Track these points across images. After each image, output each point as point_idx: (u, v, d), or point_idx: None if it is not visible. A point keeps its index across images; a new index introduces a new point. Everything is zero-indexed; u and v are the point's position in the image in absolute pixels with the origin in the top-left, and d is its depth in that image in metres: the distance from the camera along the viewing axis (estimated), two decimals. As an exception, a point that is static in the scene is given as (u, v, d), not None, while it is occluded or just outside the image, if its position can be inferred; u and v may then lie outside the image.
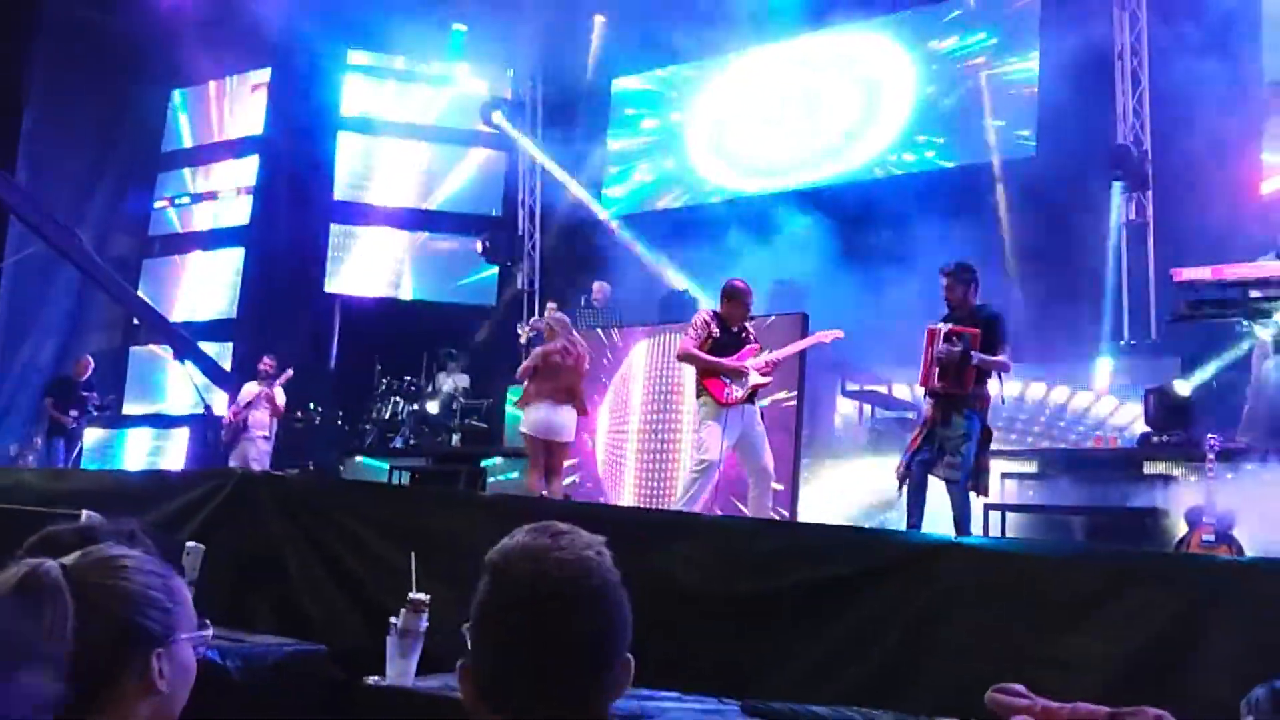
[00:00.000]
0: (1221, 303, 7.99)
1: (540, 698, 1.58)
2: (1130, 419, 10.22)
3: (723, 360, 7.60)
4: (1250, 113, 10.70)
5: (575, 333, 9.16)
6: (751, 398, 7.67)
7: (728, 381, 7.55)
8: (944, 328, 7.13)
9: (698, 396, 7.72)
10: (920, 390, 7.61)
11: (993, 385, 7.32)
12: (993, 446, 10.13)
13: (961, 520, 7.01)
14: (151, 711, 1.73)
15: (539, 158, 16.46)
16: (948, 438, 7.05)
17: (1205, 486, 7.17)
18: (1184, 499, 7.64)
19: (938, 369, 7.06)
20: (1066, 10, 12.51)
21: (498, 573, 1.62)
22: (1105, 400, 10.67)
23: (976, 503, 8.49)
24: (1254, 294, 7.78)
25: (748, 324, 7.92)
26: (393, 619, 3.83)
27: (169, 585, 1.79)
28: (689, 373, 8.39)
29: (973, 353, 6.98)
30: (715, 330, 7.71)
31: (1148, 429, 9.51)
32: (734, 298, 7.85)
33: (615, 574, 1.65)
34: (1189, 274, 8.07)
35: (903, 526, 7.17)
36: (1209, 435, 7.52)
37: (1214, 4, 10.59)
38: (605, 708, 1.64)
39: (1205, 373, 9.72)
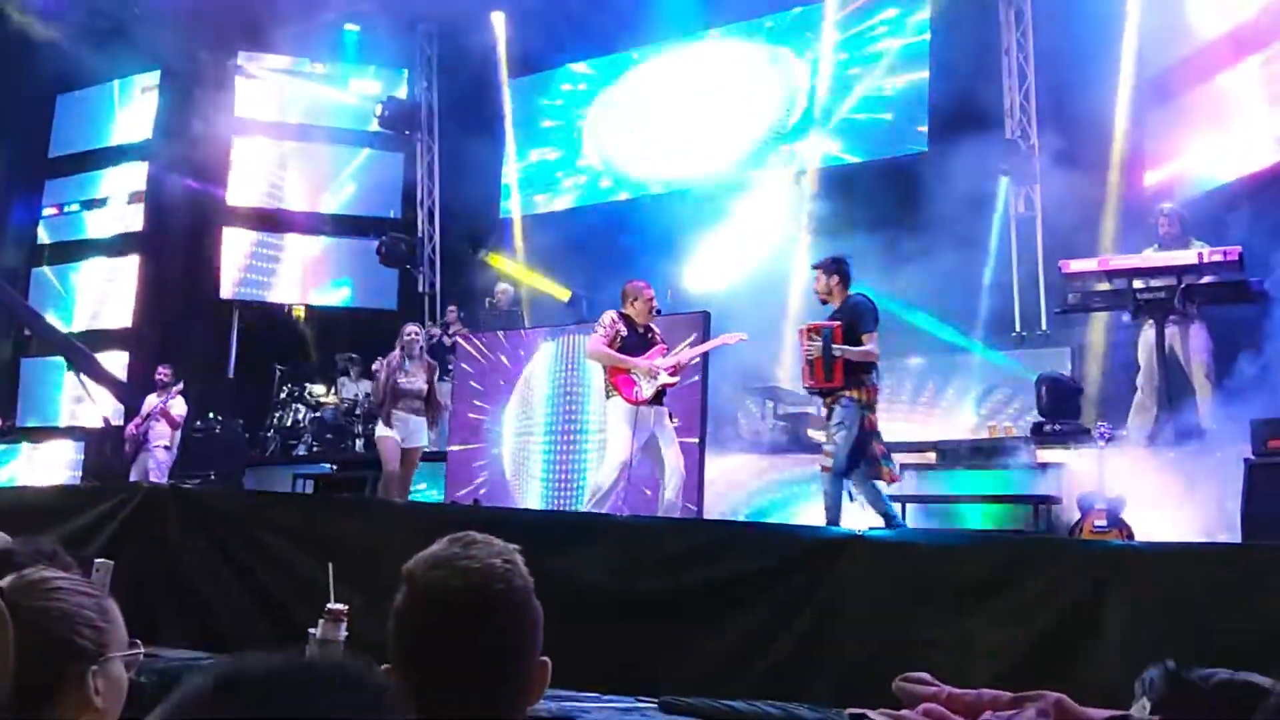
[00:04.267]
0: (1108, 293, 8.21)
1: (451, 700, 1.64)
2: (1022, 409, 10.48)
3: (634, 359, 7.68)
4: (1134, 105, 11.02)
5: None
6: (659, 398, 7.75)
7: (637, 380, 7.63)
8: (805, 325, 7.28)
9: (607, 397, 7.79)
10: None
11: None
12: (891, 439, 10.36)
13: (832, 510, 7.00)
14: None
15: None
16: (829, 429, 7.16)
17: (1096, 473, 7.37)
18: (1076, 486, 7.84)
19: (806, 366, 7.18)
20: (954, 9, 12.77)
21: (410, 581, 1.70)
22: (998, 391, 10.93)
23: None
24: (1139, 284, 8.01)
25: (653, 324, 8.02)
26: (311, 630, 3.84)
27: (101, 605, 1.84)
28: (595, 374, 8.46)
29: (833, 346, 7.04)
30: (623, 330, 7.79)
31: (1040, 418, 9.77)
32: (636, 297, 7.94)
33: (525, 581, 1.72)
34: (1077, 266, 8.28)
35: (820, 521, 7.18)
36: (1099, 423, 7.73)
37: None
38: (518, 710, 1.71)
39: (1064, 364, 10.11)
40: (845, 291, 7.41)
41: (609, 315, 7.91)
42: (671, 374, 7.78)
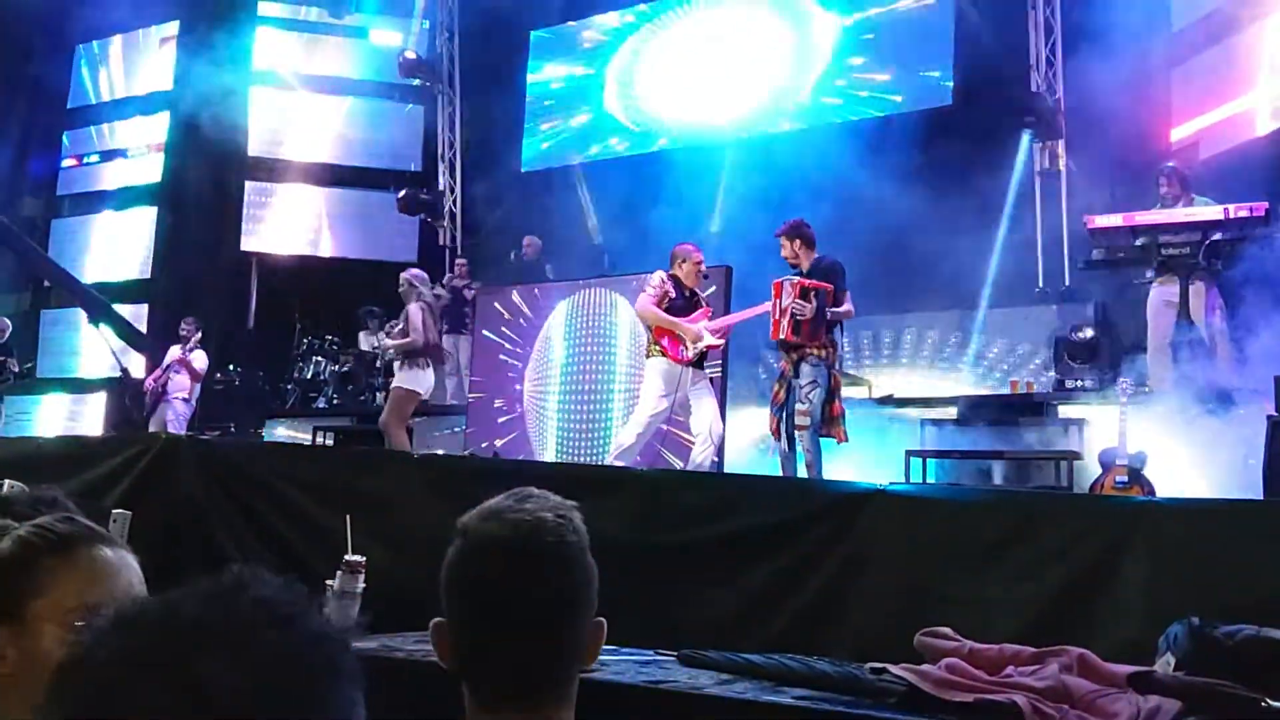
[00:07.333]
0: (1133, 249, 8.13)
1: (503, 656, 1.63)
2: (1045, 364, 10.42)
3: (682, 321, 7.69)
4: (1160, 60, 10.87)
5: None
6: (701, 361, 7.77)
7: (683, 341, 7.65)
8: (793, 280, 7.31)
9: (648, 356, 7.82)
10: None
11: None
12: (913, 394, 10.35)
13: (814, 466, 7.13)
14: None
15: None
16: (800, 386, 7.24)
17: (1118, 429, 7.33)
18: (1097, 442, 7.81)
19: (791, 323, 7.20)
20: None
21: (468, 533, 1.68)
22: (1021, 346, 10.86)
23: (897, 448, 8.71)
24: (1164, 240, 7.93)
25: (698, 289, 8.02)
26: (329, 581, 3.84)
27: (43, 564, 1.66)
28: (619, 327, 8.48)
29: (827, 309, 7.25)
30: (671, 291, 7.82)
31: (1062, 374, 9.72)
32: (685, 259, 7.97)
33: (580, 537, 1.71)
34: (1101, 221, 8.21)
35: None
36: (1121, 379, 7.70)
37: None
38: (572, 666, 1.70)
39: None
40: (812, 253, 7.55)
41: (659, 275, 7.94)
42: (718, 337, 7.83)
